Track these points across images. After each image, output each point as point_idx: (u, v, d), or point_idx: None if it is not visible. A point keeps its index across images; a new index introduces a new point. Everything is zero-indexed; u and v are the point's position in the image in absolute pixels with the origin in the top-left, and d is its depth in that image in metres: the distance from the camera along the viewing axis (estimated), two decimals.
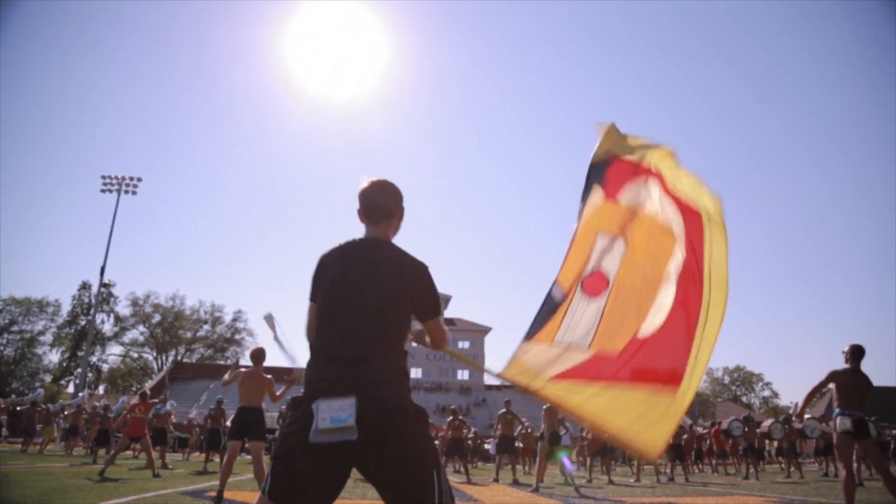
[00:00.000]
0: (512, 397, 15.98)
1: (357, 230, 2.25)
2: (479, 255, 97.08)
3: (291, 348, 3.49)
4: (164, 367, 57.03)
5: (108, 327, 58.29)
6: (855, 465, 8.53)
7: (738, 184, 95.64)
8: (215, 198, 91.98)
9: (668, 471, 14.93)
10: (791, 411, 60.92)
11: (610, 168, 2.81)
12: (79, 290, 56.34)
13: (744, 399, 75.03)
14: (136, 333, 62.28)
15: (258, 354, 6.78)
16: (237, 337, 65.20)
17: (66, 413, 22.53)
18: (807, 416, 8.51)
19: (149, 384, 49.92)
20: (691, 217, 2.59)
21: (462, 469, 13.09)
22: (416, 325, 2.24)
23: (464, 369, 60.25)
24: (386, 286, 2.01)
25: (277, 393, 6.72)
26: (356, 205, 2.22)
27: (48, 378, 55.46)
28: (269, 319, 4.02)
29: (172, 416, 20.64)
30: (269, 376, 6.73)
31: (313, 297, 2.14)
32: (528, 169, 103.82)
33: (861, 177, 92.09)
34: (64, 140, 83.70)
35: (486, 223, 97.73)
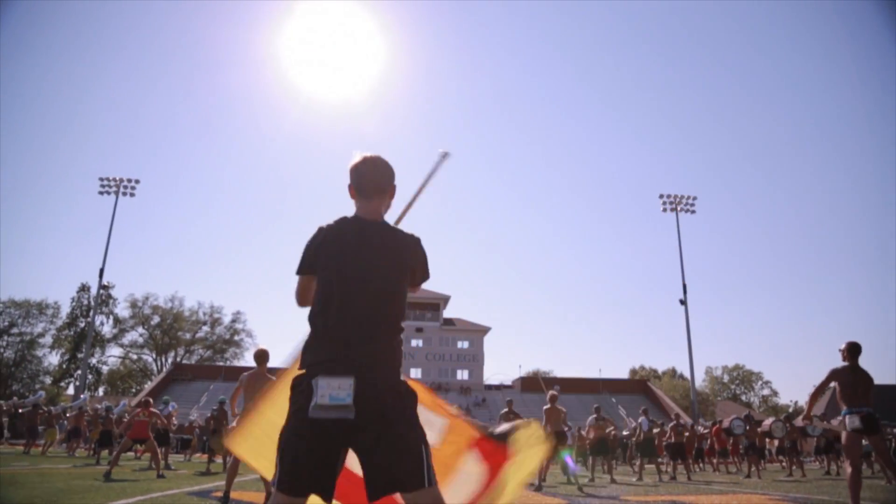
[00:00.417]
0: (513, 397, 15.99)
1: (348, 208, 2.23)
2: (477, 255, 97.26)
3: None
4: (164, 369, 57.02)
5: (107, 329, 58.45)
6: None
7: (737, 183, 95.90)
8: (213, 199, 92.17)
9: (669, 469, 14.99)
10: (791, 410, 61.10)
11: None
12: (78, 292, 56.48)
13: (743, 398, 75.02)
14: (136, 335, 62.45)
15: (262, 355, 6.77)
16: (236, 338, 65.35)
17: (68, 415, 22.56)
18: (813, 416, 8.53)
19: (148, 386, 49.95)
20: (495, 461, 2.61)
21: None
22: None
23: (464, 369, 60.29)
24: (390, 269, 2.06)
25: None
26: (347, 181, 2.20)
27: (48, 380, 55.47)
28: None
29: (174, 418, 20.66)
30: (274, 377, 6.73)
31: (310, 269, 2.14)
32: (525, 169, 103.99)
33: (860, 176, 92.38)
34: (61, 142, 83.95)
35: (485, 223, 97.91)
